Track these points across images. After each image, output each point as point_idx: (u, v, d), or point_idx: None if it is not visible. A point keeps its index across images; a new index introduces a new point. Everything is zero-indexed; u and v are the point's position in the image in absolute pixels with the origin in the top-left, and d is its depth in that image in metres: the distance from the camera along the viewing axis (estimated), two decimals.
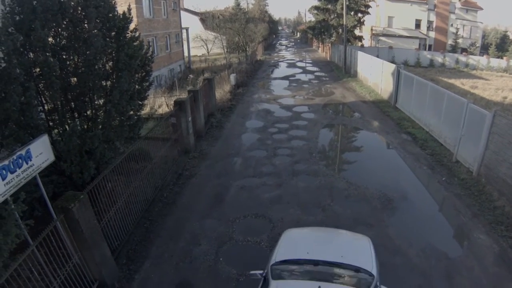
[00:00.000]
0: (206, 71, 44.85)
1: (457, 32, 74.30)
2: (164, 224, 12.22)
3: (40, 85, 10.56)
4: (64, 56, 11.02)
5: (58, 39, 10.92)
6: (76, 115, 11.59)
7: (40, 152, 8.45)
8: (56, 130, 11.34)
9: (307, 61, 61.95)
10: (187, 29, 56.39)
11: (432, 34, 75.48)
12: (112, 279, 9.44)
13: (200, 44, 67.72)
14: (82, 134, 10.75)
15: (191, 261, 10.42)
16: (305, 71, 48.50)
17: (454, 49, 72.38)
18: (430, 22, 74.93)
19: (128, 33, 12.62)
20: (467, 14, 78.67)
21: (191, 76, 40.15)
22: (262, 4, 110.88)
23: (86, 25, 11.14)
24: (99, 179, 9.81)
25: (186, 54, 55.30)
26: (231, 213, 12.65)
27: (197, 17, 76.07)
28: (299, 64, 56.74)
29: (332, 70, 48.16)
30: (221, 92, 29.77)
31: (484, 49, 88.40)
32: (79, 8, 11.13)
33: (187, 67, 53.57)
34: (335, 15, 57.18)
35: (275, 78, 42.48)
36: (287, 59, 64.86)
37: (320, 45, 77.25)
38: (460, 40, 74.79)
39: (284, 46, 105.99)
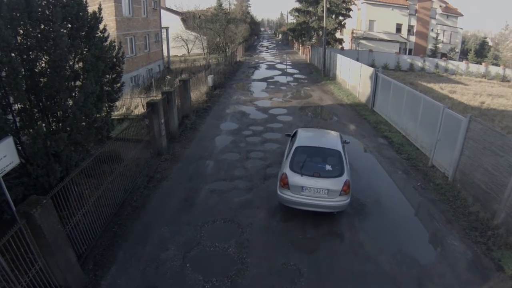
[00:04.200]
0: (185, 72, 44.58)
1: (437, 37, 75.29)
2: (133, 228, 11.95)
3: (6, 86, 10.17)
4: (32, 56, 10.63)
5: (26, 39, 10.53)
6: (46, 117, 11.24)
7: (4, 155, 8.15)
8: (27, 132, 10.97)
9: (287, 63, 61.94)
10: (167, 28, 56.13)
11: (412, 38, 76.43)
12: (77, 285, 9.19)
13: (180, 44, 67.42)
14: (48, 136, 10.41)
15: (158, 266, 10.20)
16: (284, 73, 48.51)
17: (434, 53, 73.29)
18: (411, 27, 75.93)
19: (97, 33, 12.30)
20: (448, 19, 79.75)
21: (168, 76, 39.77)
22: (245, 5, 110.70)
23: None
24: (64, 183, 9.53)
25: (166, 54, 54.90)
26: (200, 218, 12.45)
27: (178, 16, 75.70)
28: (278, 66, 56.71)
29: (311, 73, 48.22)
30: (197, 93, 29.50)
31: (464, 55, 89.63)
32: (50, 6, 10.79)
33: (166, 67, 53.17)
34: (316, 17, 57.34)
35: (254, 80, 42.41)
36: (267, 61, 64.96)
37: (300, 47, 77.41)
38: (440, 45, 75.83)
39: (265, 48, 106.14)
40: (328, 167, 12.24)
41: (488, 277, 9.83)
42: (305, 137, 14.15)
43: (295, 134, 14.80)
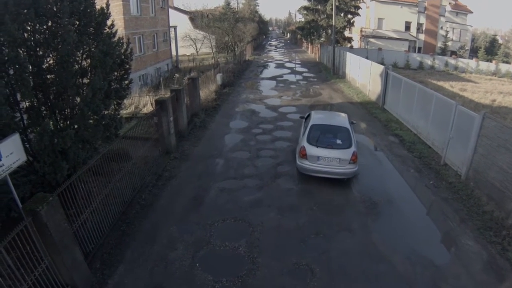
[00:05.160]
0: (194, 71, 44.48)
1: (446, 34, 74.87)
2: (141, 227, 11.79)
3: (14, 83, 10.05)
4: (39, 53, 10.51)
5: (34, 35, 10.41)
6: (53, 114, 11.12)
7: (11, 152, 8.09)
8: (34, 130, 10.85)
9: (295, 61, 61.87)
10: (175, 27, 55.95)
11: (421, 36, 76.01)
12: (84, 284, 9.05)
13: (189, 43, 67.31)
14: (56, 133, 10.27)
15: (166, 266, 10.03)
16: (293, 71, 48.37)
17: (444, 51, 72.86)
18: (420, 25, 75.47)
19: (105, 29, 12.17)
20: (457, 17, 79.25)
21: (177, 75, 39.68)
22: (253, 4, 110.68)
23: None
24: (71, 180, 9.42)
25: (174, 53, 54.82)
26: (209, 217, 12.27)
27: (186, 16, 75.72)
28: (287, 64, 56.55)
29: (320, 71, 48.09)
30: (207, 91, 29.35)
31: (474, 52, 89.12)
32: (57, 2, 10.67)
33: (175, 66, 53.10)
34: (325, 15, 57.04)
35: (263, 78, 42.23)
36: (276, 60, 64.80)
37: (309, 46, 77.23)
38: (449, 43, 75.42)
39: (273, 47, 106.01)
40: (339, 141, 14.61)
41: (504, 278, 9.59)
42: (318, 117, 16.34)
43: (308, 115, 17.36)
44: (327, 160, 14.20)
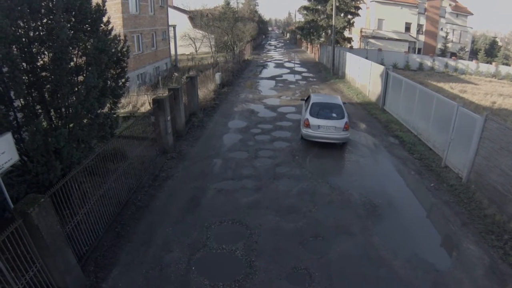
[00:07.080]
0: (193, 70, 44.21)
1: (446, 36, 74.94)
2: (136, 228, 11.55)
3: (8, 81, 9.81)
4: (34, 50, 10.29)
5: (28, 32, 10.18)
6: (49, 113, 10.90)
7: (3, 152, 7.91)
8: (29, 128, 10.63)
9: (295, 61, 61.78)
10: (174, 26, 55.77)
11: (421, 37, 76.03)
12: (77, 287, 8.77)
13: (188, 42, 67.10)
14: (49, 132, 10.05)
15: (162, 269, 9.80)
16: (292, 71, 48.22)
17: (444, 53, 72.87)
18: (420, 26, 75.48)
19: (101, 26, 11.94)
20: (457, 18, 79.28)
21: (175, 74, 39.48)
22: (252, 3, 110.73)
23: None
24: (64, 181, 9.18)
25: (173, 52, 54.62)
26: (206, 218, 12.04)
27: (185, 15, 75.48)
28: (287, 64, 56.43)
29: (320, 71, 47.97)
30: (205, 91, 29.19)
31: (473, 54, 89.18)
32: None
33: (174, 65, 52.88)
34: (325, 15, 56.90)
35: (262, 78, 42.07)
36: (275, 59, 64.64)
37: (308, 46, 77.18)
38: (449, 45, 75.49)
39: (273, 47, 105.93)
40: (334, 114, 18.68)
41: (506, 283, 9.39)
42: (317, 98, 20.35)
43: (308, 97, 21.59)
44: (326, 128, 18.20)
